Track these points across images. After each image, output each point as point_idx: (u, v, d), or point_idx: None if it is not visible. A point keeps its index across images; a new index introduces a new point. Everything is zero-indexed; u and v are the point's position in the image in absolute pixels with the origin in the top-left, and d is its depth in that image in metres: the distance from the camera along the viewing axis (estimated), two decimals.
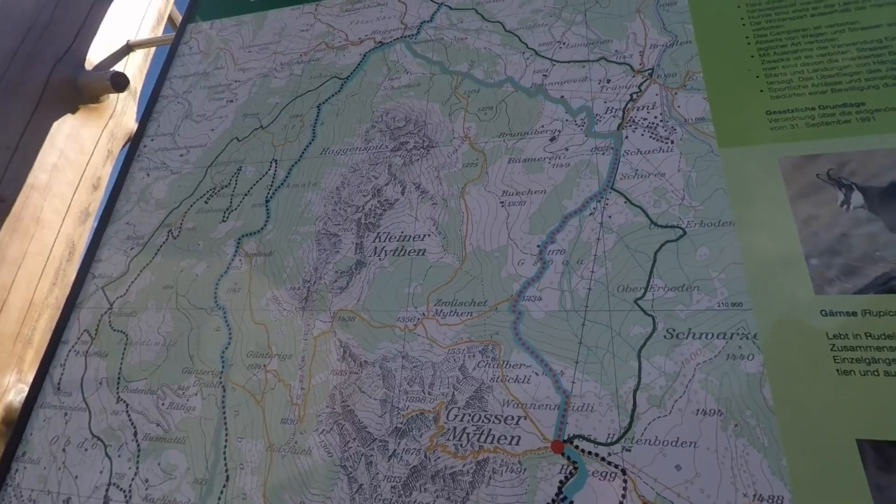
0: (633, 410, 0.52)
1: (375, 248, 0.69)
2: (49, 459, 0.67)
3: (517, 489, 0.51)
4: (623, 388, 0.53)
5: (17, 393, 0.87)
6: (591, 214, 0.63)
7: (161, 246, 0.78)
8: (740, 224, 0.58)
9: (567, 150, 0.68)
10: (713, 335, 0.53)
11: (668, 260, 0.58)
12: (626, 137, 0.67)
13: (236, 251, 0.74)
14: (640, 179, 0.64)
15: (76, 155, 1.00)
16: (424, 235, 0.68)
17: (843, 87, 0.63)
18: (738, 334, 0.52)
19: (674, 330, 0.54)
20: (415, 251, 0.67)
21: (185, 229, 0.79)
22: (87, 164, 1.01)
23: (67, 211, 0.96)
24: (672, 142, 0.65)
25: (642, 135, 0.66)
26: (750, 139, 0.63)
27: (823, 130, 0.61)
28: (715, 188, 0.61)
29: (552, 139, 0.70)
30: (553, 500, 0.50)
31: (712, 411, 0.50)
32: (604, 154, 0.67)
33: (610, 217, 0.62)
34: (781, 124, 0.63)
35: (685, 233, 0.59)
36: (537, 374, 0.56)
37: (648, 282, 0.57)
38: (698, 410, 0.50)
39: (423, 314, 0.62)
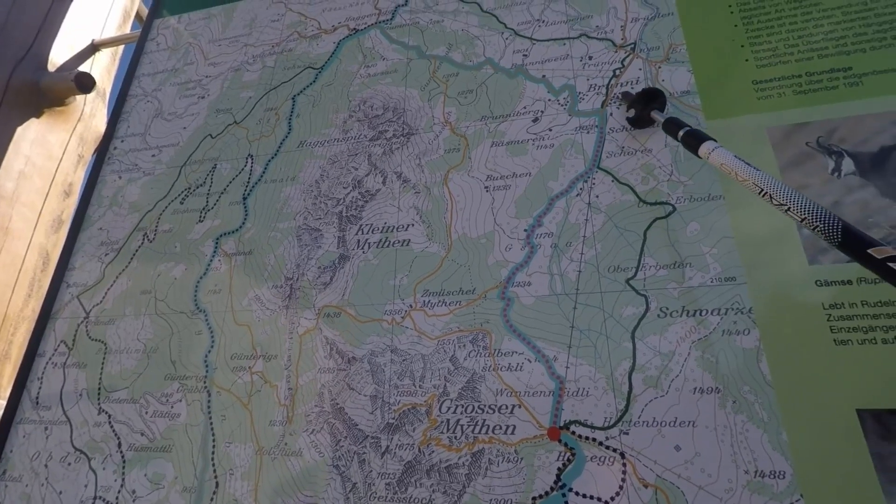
0: (630, 393, 0.51)
1: (358, 240, 0.67)
2: (31, 476, 0.65)
3: (515, 479, 0.50)
4: (618, 370, 0.52)
5: None
6: (577, 195, 0.61)
7: (136, 250, 0.76)
8: (730, 198, 0.57)
9: (551, 130, 0.66)
10: (707, 311, 0.52)
11: (658, 237, 0.56)
12: (611, 114, 0.65)
13: (215, 251, 0.72)
14: (627, 157, 0.62)
15: (44, 161, 0.95)
16: (408, 225, 0.66)
17: (830, 52, 0.61)
18: (732, 309, 0.51)
19: (667, 308, 0.53)
20: (399, 242, 0.65)
21: (161, 232, 0.76)
22: (56, 171, 0.97)
23: (38, 220, 0.93)
24: None
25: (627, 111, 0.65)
26: (737, 110, 0.61)
27: (811, 97, 0.59)
28: (703, 162, 0.59)
29: (535, 120, 0.68)
30: (552, 488, 0.49)
31: (710, 389, 0.49)
32: (588, 133, 0.65)
33: (597, 197, 0.61)
34: (768, 93, 0.61)
35: (675, 209, 0.57)
36: (530, 361, 0.54)
37: (639, 261, 0.56)
38: (696, 389, 0.49)
39: (411, 306, 0.60)
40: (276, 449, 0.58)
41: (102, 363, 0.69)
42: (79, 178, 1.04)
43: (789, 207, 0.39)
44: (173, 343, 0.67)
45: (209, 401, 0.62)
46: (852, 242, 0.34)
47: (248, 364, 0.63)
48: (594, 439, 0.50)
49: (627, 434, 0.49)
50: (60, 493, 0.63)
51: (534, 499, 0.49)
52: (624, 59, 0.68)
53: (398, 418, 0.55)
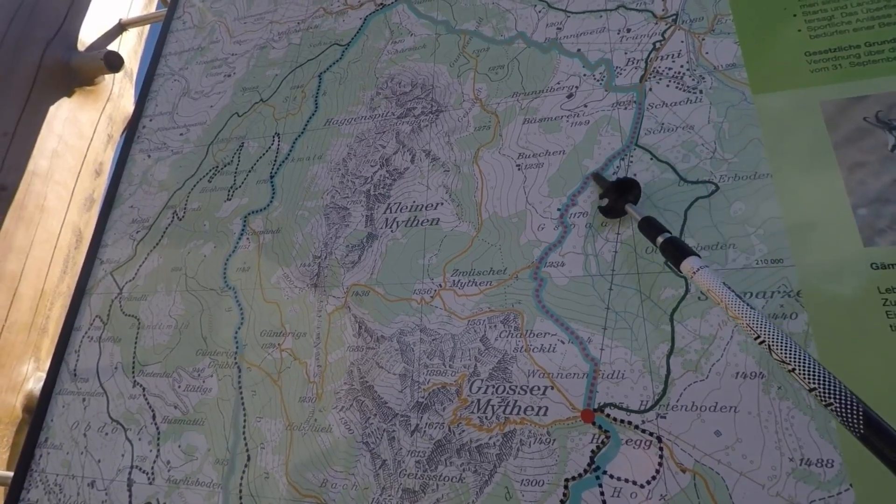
0: (668, 376, 0.49)
1: (387, 219, 0.66)
2: (71, 444, 0.67)
3: (547, 460, 0.49)
4: (655, 353, 0.50)
5: (36, 381, 0.88)
6: (614, 173, 0.59)
7: (167, 228, 0.76)
8: (778, 176, 0.54)
9: (586, 106, 0.64)
10: (752, 294, 0.50)
11: (700, 217, 0.54)
12: (650, 90, 0.62)
13: (243, 230, 0.72)
14: (667, 133, 0.59)
15: (75, 140, 0.97)
16: (437, 204, 0.65)
17: (893, 20, 0.57)
18: (779, 292, 0.49)
19: None
20: (428, 221, 0.64)
21: (190, 210, 0.76)
22: (87, 150, 0.99)
23: (71, 198, 0.95)
24: (701, 91, 0.60)
25: (667, 86, 0.62)
26: (787, 83, 0.58)
27: (870, 69, 0.56)
28: (749, 139, 0.56)
29: (569, 96, 0.65)
30: (585, 471, 0.48)
31: (753, 374, 0.47)
32: (626, 109, 0.62)
33: (635, 175, 0.58)
34: (822, 65, 0.57)
35: (718, 188, 0.55)
36: (563, 343, 0.53)
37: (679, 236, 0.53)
38: (738, 374, 0.47)
39: (440, 285, 0.60)
40: (305, 425, 0.58)
41: (136, 338, 0.70)
42: (108, 157, 1.05)
43: (794, 368, 0.31)
44: (204, 319, 0.68)
45: (240, 376, 0.63)
46: (880, 435, 0.26)
47: (278, 341, 0.63)
48: (630, 422, 0.49)
49: (665, 418, 0.48)
50: (99, 461, 0.65)
51: (566, 480, 0.48)
52: (665, 32, 0.64)
53: (428, 397, 0.55)
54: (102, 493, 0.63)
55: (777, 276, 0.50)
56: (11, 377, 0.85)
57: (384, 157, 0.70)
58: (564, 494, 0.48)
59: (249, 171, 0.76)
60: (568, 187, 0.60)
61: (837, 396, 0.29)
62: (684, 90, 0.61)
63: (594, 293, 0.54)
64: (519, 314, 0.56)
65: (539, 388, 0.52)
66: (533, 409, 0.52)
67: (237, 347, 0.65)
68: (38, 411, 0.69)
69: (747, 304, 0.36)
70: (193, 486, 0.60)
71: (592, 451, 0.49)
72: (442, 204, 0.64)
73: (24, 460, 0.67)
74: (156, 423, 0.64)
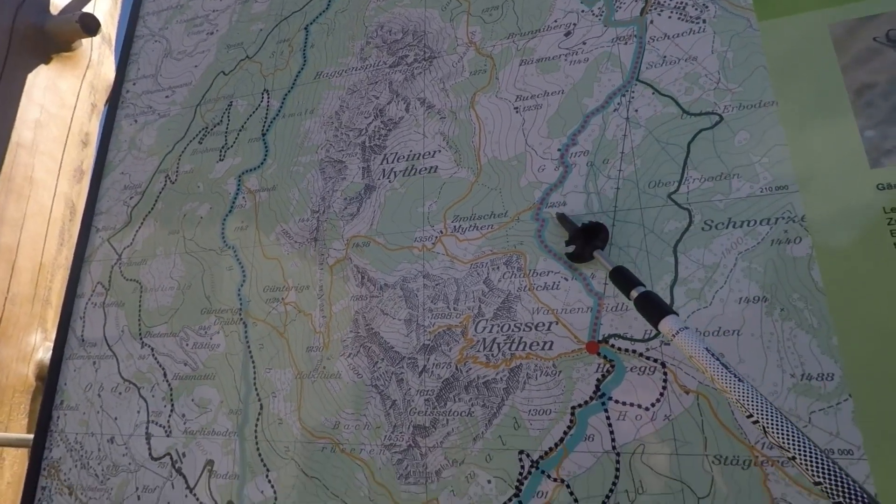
0: (671, 305, 0.49)
1: (384, 170, 0.65)
2: (87, 405, 0.68)
3: (553, 391, 0.51)
4: (659, 284, 0.50)
5: (45, 351, 0.89)
6: (615, 110, 0.58)
7: (160, 192, 0.75)
8: (784, 102, 0.53)
9: (584, 43, 0.62)
10: (756, 222, 0.49)
11: (703, 149, 0.53)
12: (651, 22, 0.60)
13: (238, 189, 0.71)
14: (669, 66, 0.58)
15: (58, 109, 0.94)
16: (434, 152, 0.63)
17: None
18: (783, 218, 0.49)
19: (712, 221, 0.51)
20: (426, 169, 0.63)
21: (183, 173, 0.75)
22: (71, 120, 0.96)
23: (60, 170, 0.93)
24: (704, 21, 0.58)
25: (669, 17, 0.59)
26: (794, 7, 0.56)
27: None
28: (754, 67, 0.55)
29: (567, 34, 0.63)
30: (591, 398, 0.49)
31: (756, 298, 0.48)
32: (626, 44, 0.60)
33: (636, 111, 0.57)
34: None
35: (722, 118, 0.54)
36: (566, 280, 0.53)
37: (682, 174, 0.53)
38: (741, 299, 0.48)
39: (441, 232, 0.59)
40: (315, 373, 0.59)
41: (139, 301, 0.70)
42: (94, 127, 1.03)
43: (794, 456, 0.27)
44: (206, 279, 0.68)
45: (246, 331, 0.64)
46: None
47: (281, 296, 0.64)
48: (634, 351, 0.49)
49: (668, 345, 0.49)
50: (116, 418, 0.66)
51: (573, 408, 0.50)
52: None
53: (434, 339, 0.56)
54: (122, 448, 0.65)
55: (782, 203, 0.49)
56: (21, 348, 0.86)
57: (378, 107, 0.69)
58: (571, 421, 0.49)
59: (240, 130, 0.75)
60: (568, 127, 0.59)
61: (847, 493, 0.25)
62: (687, 20, 0.59)
63: None
64: (521, 255, 0.55)
65: (544, 325, 0.53)
66: (538, 344, 0.52)
67: (241, 304, 0.65)
68: (50, 376, 0.70)
69: (735, 375, 0.32)
70: (210, 435, 0.61)
71: (598, 380, 0.50)
72: (439, 151, 0.63)
73: (43, 422, 0.68)
74: (167, 381, 0.65)
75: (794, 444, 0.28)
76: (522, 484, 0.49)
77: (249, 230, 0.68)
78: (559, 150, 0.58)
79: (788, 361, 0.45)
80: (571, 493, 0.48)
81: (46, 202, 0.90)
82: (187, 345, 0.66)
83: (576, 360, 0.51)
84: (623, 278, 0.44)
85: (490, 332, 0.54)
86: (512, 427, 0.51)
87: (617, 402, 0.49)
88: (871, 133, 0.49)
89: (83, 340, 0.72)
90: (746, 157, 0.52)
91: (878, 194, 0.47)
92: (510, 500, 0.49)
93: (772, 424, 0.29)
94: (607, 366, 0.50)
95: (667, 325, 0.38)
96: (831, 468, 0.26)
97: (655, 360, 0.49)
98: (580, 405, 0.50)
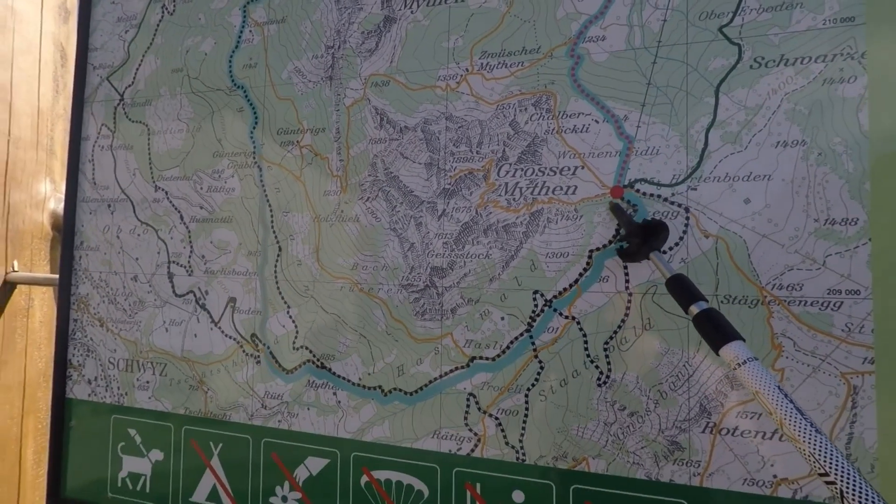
0: (704, 149, 0.48)
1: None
2: (107, 246, 0.70)
3: (573, 234, 0.51)
4: (695, 127, 0.48)
5: (57, 202, 0.89)
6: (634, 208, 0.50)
7: (158, 25, 0.69)
8: None
9: None
10: (810, 59, 0.46)
11: None
12: None
13: (244, 21, 0.65)
14: None
15: None
16: None
17: None
18: (841, 55, 0.45)
19: (762, 58, 0.47)
20: None
21: (181, 2, 0.68)
22: None
23: (42, 2, 0.84)
24: None
25: None
26: None
27: None
28: None
29: None
30: (610, 241, 0.50)
31: (794, 142, 0.46)
32: None
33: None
34: None
35: None
36: (597, 122, 0.51)
37: (739, 4, 0.48)
38: (778, 143, 0.46)
39: (467, 69, 0.55)
40: (332, 216, 0.59)
41: (148, 144, 0.68)
42: None
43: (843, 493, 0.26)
44: (216, 121, 0.65)
45: (261, 175, 0.63)
46: None
47: (296, 138, 0.61)
48: (659, 196, 0.49)
49: (695, 190, 0.48)
50: (137, 258, 0.68)
51: (591, 251, 0.50)
52: None
53: (454, 184, 0.55)
54: (146, 285, 0.67)
55: (844, 37, 0.45)
56: (32, 194, 0.86)
57: None
58: (588, 263, 0.50)
59: None
60: None
61: None
62: None
63: (636, 68, 0.50)
64: (552, 95, 0.52)
65: (569, 169, 0.51)
66: (562, 188, 0.52)
67: (255, 147, 0.63)
68: (66, 218, 0.70)
69: (812, 424, 0.29)
70: (230, 275, 0.63)
71: (618, 225, 0.50)
72: None
73: (67, 261, 0.70)
74: (185, 223, 0.66)
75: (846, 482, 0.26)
76: (535, 321, 0.52)
77: (259, 68, 0.63)
78: None
79: (815, 206, 0.45)
80: (581, 329, 0.50)
81: (34, 39, 0.83)
82: (202, 188, 0.65)
83: (598, 205, 0.50)
84: (683, 289, 0.40)
85: (513, 176, 0.53)
86: (528, 269, 0.52)
87: None
88: None
89: (95, 183, 0.71)
90: None
91: None
92: (522, 334, 0.52)
93: (850, 488, 0.26)
94: (630, 210, 0.50)
95: (731, 352, 0.34)
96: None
97: (679, 205, 0.48)
98: (598, 248, 0.50)
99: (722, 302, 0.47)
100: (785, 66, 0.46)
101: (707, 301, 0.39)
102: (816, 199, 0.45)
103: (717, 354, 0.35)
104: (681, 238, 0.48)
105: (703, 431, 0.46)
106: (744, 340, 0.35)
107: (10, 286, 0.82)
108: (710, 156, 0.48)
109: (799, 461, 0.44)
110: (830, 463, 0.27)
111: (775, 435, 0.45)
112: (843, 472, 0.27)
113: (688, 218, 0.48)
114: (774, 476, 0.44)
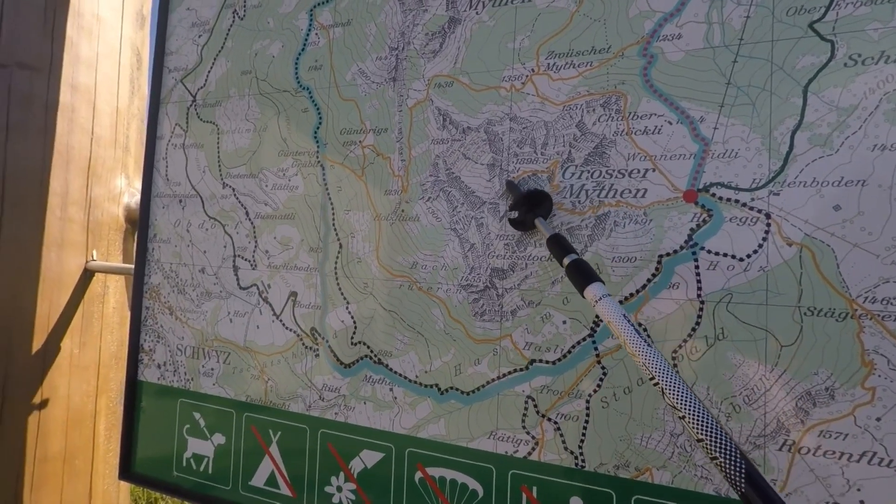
0: (789, 152, 0.45)
1: (470, 0, 0.58)
2: (177, 239, 0.74)
3: (641, 239, 0.50)
4: (779, 129, 0.46)
5: (130, 196, 0.95)
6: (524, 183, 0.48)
7: (229, 29, 0.72)
8: None
9: None
10: None
11: None
12: None
13: (310, 25, 0.67)
14: None
15: None
16: None
17: None
18: None
19: (859, 55, 0.44)
20: None
21: (251, 7, 0.71)
22: None
23: (123, 10, 0.90)
24: None
25: None
26: None
27: None
28: None
29: None
30: (682, 247, 0.48)
31: (894, 146, 0.42)
32: None
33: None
34: None
35: None
36: (671, 123, 0.49)
37: None
38: (875, 146, 0.43)
39: (533, 70, 0.55)
40: (393, 215, 0.60)
41: (218, 143, 0.72)
42: None
43: (685, 416, 0.32)
44: (282, 121, 0.68)
45: (324, 174, 0.65)
46: (759, 492, 0.28)
47: (359, 138, 0.63)
48: (737, 200, 0.47)
49: (778, 195, 0.45)
50: (205, 252, 0.72)
51: (660, 256, 0.49)
52: None
53: (518, 185, 0.55)
54: (213, 277, 0.71)
55: None
56: (110, 189, 0.92)
57: None
58: (657, 269, 0.49)
59: None
60: None
61: (723, 451, 0.30)
62: None
63: (714, 67, 0.48)
64: (622, 96, 0.51)
65: (639, 171, 0.50)
66: (630, 191, 0.50)
67: (318, 147, 0.65)
68: (142, 211, 0.75)
69: (646, 342, 0.36)
70: (293, 270, 0.66)
71: (691, 230, 0.48)
72: None
73: (141, 252, 0.75)
74: (250, 220, 0.69)
75: (684, 405, 0.33)
76: (598, 325, 0.51)
77: (324, 70, 0.65)
78: None
79: None
80: (648, 336, 0.49)
81: (115, 43, 0.89)
82: (266, 186, 0.68)
83: (670, 209, 0.49)
84: (558, 246, 0.47)
85: (579, 178, 0.52)
86: None
87: (709, 251, 0.47)
88: None
89: (168, 179, 0.75)
90: None
91: None
92: (584, 339, 0.52)
93: (669, 387, 0.34)
94: (704, 215, 0.48)
95: (591, 291, 0.41)
96: (714, 428, 0.31)
97: (759, 211, 0.46)
98: (668, 254, 0.49)
99: (805, 314, 0.44)
100: (885, 63, 0.43)
101: (578, 254, 0.45)
102: None
103: (583, 296, 0.42)
104: (760, 245, 0.46)
105: (780, 449, 0.44)
106: (603, 283, 0.42)
107: (89, 274, 0.88)
108: (795, 159, 0.45)
109: (891, 487, 0.41)
110: (656, 368, 0.35)
111: (863, 458, 0.42)
112: (665, 374, 0.35)
113: (768, 224, 0.46)
114: (861, 501, 0.42)
